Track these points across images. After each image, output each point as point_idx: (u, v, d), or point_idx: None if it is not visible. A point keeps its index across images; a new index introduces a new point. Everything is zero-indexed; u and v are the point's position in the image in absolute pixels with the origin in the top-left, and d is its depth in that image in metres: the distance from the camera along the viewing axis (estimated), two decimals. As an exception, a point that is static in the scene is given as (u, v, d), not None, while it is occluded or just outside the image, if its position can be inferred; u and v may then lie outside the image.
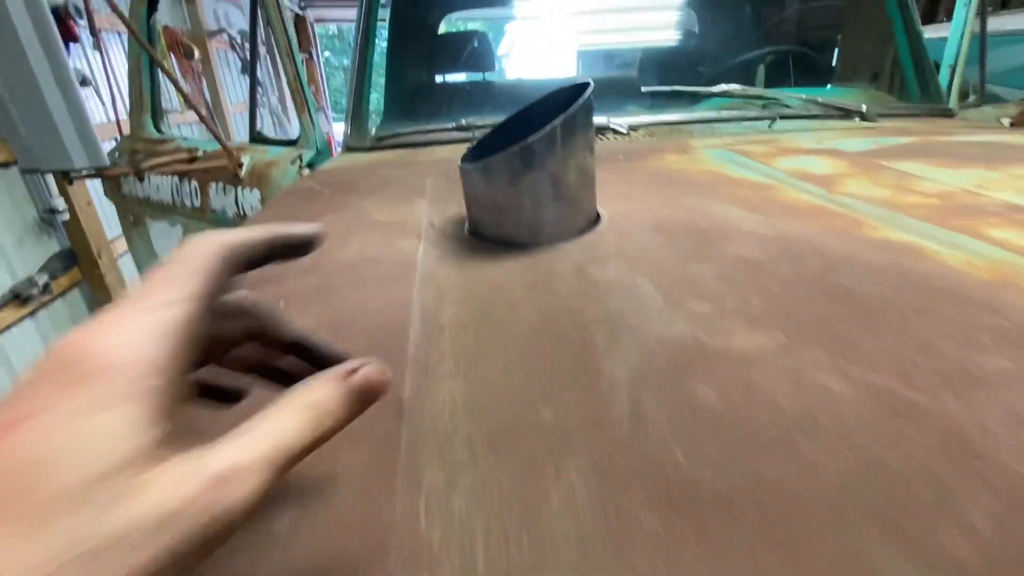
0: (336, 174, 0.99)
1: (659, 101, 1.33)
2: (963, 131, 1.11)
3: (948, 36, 1.66)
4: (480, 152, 0.61)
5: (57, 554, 0.12)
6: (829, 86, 1.71)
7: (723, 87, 1.23)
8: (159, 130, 1.85)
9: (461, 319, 0.43)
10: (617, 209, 0.64)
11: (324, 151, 1.48)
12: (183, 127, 4.48)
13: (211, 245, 0.19)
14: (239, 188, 1.49)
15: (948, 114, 1.35)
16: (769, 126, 1.13)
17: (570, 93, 0.59)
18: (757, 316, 0.39)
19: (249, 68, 1.61)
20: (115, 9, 1.31)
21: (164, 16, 4.59)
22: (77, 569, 0.12)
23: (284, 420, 0.17)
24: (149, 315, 0.16)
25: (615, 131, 1.12)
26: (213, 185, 1.57)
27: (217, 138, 1.43)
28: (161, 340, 0.16)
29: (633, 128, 1.14)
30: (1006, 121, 1.68)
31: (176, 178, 1.66)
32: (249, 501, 0.15)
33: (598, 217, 0.62)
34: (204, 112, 4.83)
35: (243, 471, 0.15)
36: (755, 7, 1.86)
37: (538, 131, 0.52)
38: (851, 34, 1.76)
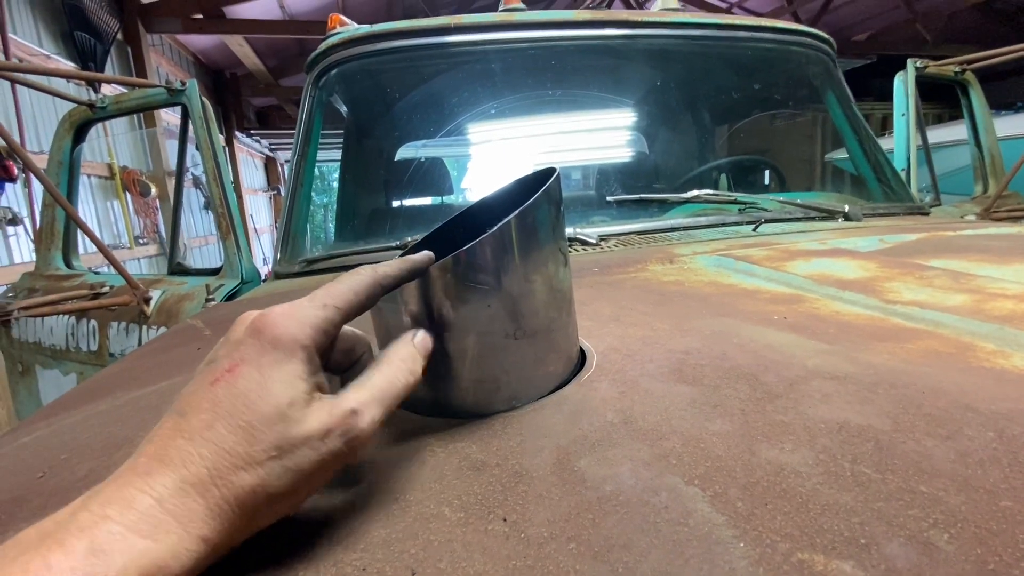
0: (235, 310, 0.77)
1: (625, 211, 1.23)
2: (957, 226, 1.02)
3: (893, 147, 1.71)
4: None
5: (267, 449, 0.22)
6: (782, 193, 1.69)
7: (695, 192, 1.13)
8: (69, 266, 1.63)
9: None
10: (608, 342, 0.44)
11: (252, 279, 1.28)
12: (130, 263, 4.28)
13: (368, 276, 0.29)
14: (144, 327, 1.25)
15: (923, 212, 1.29)
16: (754, 229, 1.01)
17: (531, 186, 0.42)
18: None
19: (175, 193, 1.46)
20: (15, 148, 1.15)
21: (125, 158, 4.63)
22: (281, 459, 0.22)
23: (385, 372, 0.27)
24: (311, 311, 0.26)
25: (583, 242, 0.97)
26: (114, 325, 1.31)
27: (119, 270, 1.21)
28: (315, 328, 0.25)
29: (603, 238, 0.99)
30: (971, 217, 1.67)
31: (73, 319, 1.40)
32: (370, 428, 0.25)
33: (583, 356, 0.41)
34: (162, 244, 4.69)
35: (365, 406, 0.25)
36: (697, 126, 1.90)
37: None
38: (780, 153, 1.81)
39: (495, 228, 0.32)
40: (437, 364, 0.34)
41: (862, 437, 0.27)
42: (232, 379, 0.23)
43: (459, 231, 0.45)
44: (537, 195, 0.34)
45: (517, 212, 0.33)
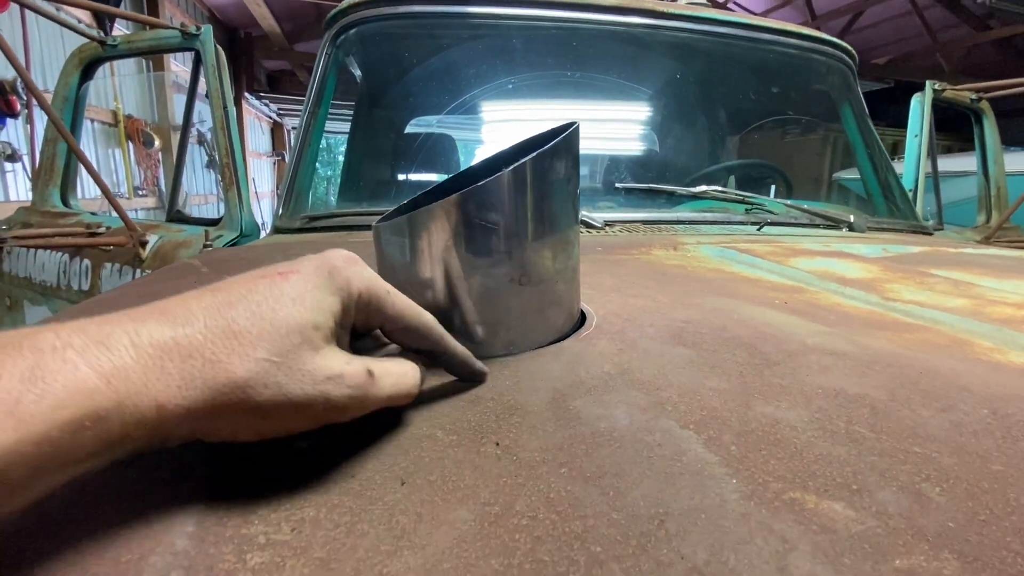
0: (235, 253, 0.77)
1: (632, 200, 1.22)
2: (959, 245, 1.02)
3: (904, 167, 1.72)
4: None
5: (273, 353, 0.21)
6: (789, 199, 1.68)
7: (703, 188, 1.13)
8: (67, 204, 1.61)
9: (313, 519, 0.19)
10: (609, 308, 0.44)
11: (252, 232, 1.27)
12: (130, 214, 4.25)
13: (432, 320, 0.28)
14: (138, 270, 1.24)
15: (927, 232, 1.29)
16: (758, 229, 1.01)
17: (550, 140, 0.42)
18: (969, 542, 0.17)
19: (180, 139, 1.45)
20: (21, 73, 1.13)
21: (131, 107, 4.57)
22: (278, 371, 0.20)
23: (404, 367, 0.26)
24: (375, 278, 0.26)
25: (589, 225, 0.97)
26: (108, 266, 1.30)
27: (117, 209, 1.20)
28: (369, 290, 0.25)
29: (609, 223, 0.99)
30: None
31: (66, 256, 1.38)
32: (375, 397, 0.24)
33: (583, 317, 0.41)
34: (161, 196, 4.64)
35: (381, 377, 0.24)
36: (710, 125, 1.89)
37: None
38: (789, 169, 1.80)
39: (510, 168, 0.32)
40: (438, 302, 0.33)
41: (858, 403, 0.27)
42: (279, 280, 0.22)
43: (472, 182, 0.45)
44: (556, 141, 0.34)
45: (534, 155, 0.32)
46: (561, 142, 0.34)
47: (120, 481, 0.21)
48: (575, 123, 0.37)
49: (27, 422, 0.15)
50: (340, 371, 0.22)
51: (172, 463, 0.23)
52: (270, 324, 0.21)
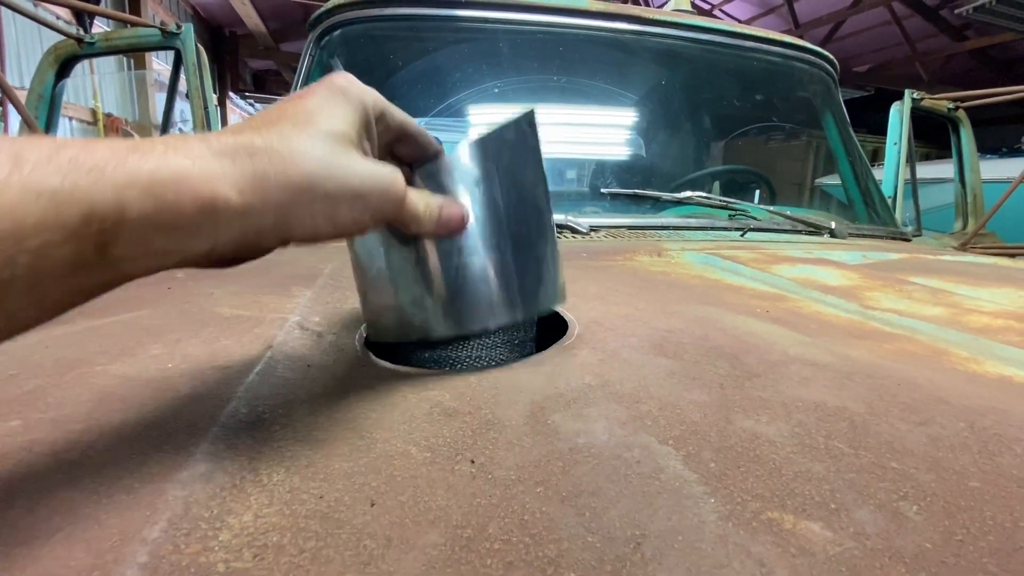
0: (213, 256, 0.75)
1: (617, 205, 1.23)
2: (937, 252, 1.04)
3: (883, 174, 1.75)
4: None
5: (312, 150, 0.24)
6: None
7: (687, 194, 1.13)
8: (41, 204, 1.56)
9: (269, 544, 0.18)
10: (591, 316, 0.44)
11: (232, 237, 1.25)
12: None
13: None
14: (114, 273, 1.21)
15: (905, 238, 1.32)
16: (741, 235, 1.01)
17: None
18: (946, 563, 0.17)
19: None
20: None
21: (111, 105, 4.49)
22: (320, 169, 0.24)
23: (418, 197, 0.29)
24: (376, 94, 0.29)
25: (574, 230, 0.97)
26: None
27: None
28: (375, 102, 0.28)
29: (594, 228, 0.99)
30: (950, 250, 1.72)
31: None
32: (401, 196, 0.28)
33: (564, 326, 0.41)
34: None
35: (403, 181, 0.28)
36: (694, 131, 1.91)
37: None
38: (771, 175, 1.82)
39: (463, 144, 0.32)
40: (403, 297, 0.32)
41: (837, 417, 0.27)
42: (301, 99, 0.26)
43: None
44: (512, 119, 0.33)
45: (490, 130, 0.32)
46: (523, 121, 0.34)
47: (65, 503, 0.20)
48: (531, 110, 0.37)
49: (137, 173, 0.19)
50: (376, 168, 0.26)
51: (124, 483, 0.22)
52: (307, 129, 0.24)
